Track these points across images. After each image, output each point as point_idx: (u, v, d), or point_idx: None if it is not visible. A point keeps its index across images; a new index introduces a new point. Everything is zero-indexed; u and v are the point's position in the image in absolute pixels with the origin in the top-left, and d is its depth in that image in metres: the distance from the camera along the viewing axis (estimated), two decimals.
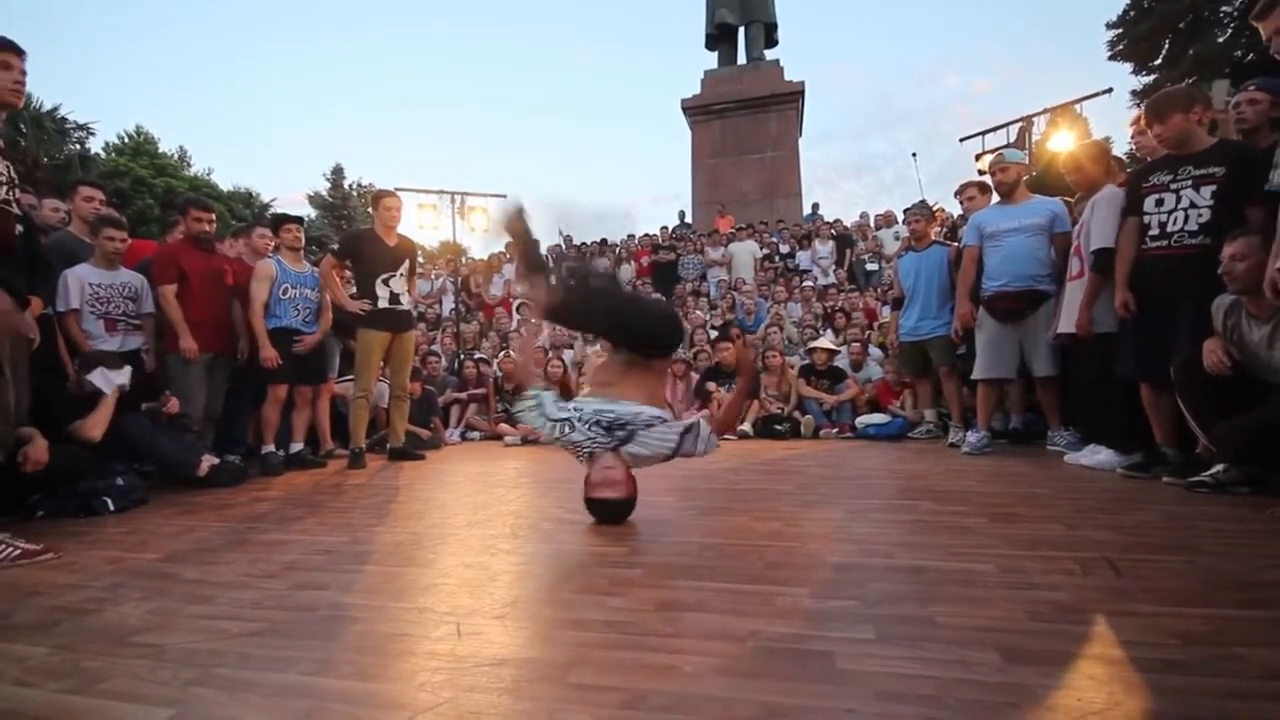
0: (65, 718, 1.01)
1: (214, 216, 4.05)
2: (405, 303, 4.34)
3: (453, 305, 9.19)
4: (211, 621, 1.39)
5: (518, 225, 2.48)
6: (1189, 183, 2.76)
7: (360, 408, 4.20)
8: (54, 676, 1.14)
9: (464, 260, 11.59)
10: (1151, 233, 2.88)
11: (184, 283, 3.74)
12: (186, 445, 3.39)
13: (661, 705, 0.98)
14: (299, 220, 4.40)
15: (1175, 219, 2.80)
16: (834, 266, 9.46)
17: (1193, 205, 2.75)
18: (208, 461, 3.32)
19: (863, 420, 5.14)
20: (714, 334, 6.96)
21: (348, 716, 0.97)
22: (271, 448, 3.99)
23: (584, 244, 11.64)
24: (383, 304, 4.20)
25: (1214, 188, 2.70)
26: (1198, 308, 2.59)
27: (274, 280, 4.01)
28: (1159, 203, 2.86)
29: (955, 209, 8.76)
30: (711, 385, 5.73)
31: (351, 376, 5.34)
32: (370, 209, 4.59)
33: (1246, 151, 2.71)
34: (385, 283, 4.21)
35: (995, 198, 4.31)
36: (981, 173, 8.82)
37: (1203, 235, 2.70)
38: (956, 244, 4.46)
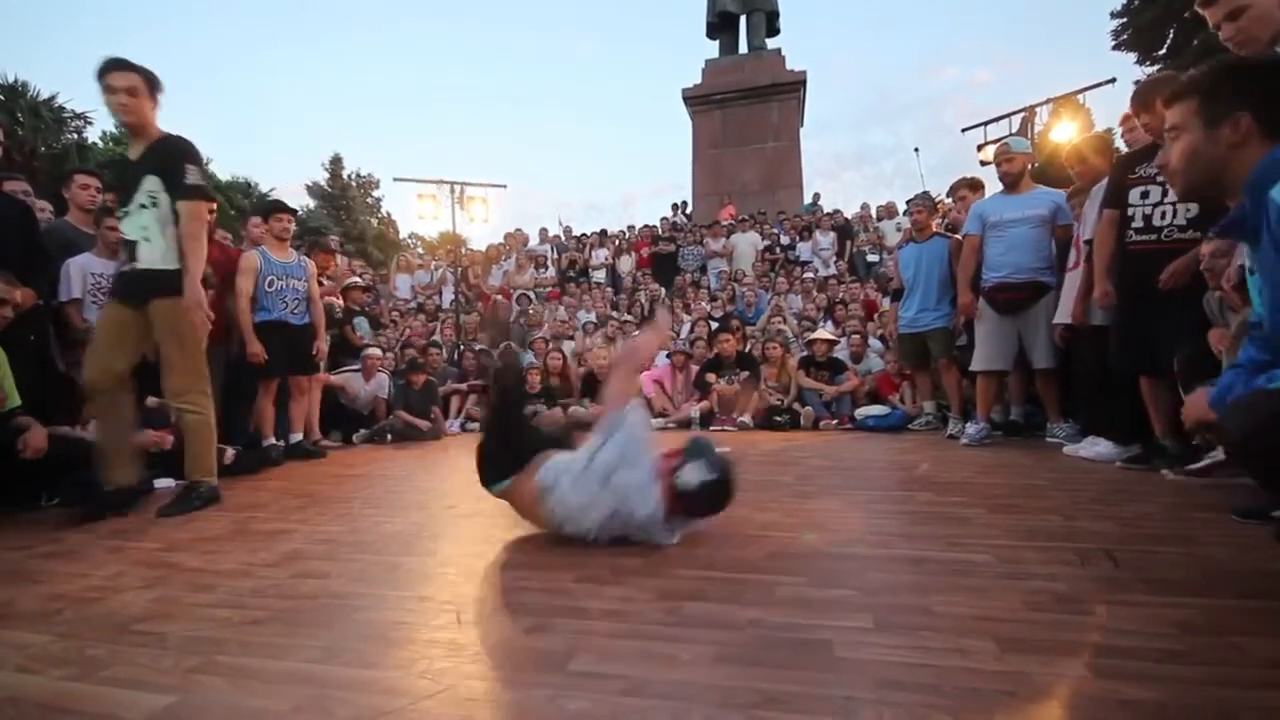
0: (67, 704, 1.01)
1: (214, 207, 4.03)
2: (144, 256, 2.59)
3: (452, 296, 9.18)
4: (213, 610, 1.40)
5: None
6: None
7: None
8: (56, 664, 1.15)
9: (464, 251, 11.55)
10: (1136, 225, 2.86)
11: None
12: None
13: (661, 693, 0.98)
14: (292, 211, 4.34)
15: (1163, 213, 2.78)
16: (835, 258, 9.43)
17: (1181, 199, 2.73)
18: (231, 451, 3.40)
19: (862, 412, 5.14)
20: (714, 325, 6.95)
21: (349, 704, 0.98)
22: (271, 439, 3.99)
23: (582, 235, 11.60)
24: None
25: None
26: (1191, 301, 2.58)
27: (258, 272, 3.94)
28: (1144, 195, 2.83)
29: None
30: (711, 376, 5.73)
31: (347, 367, 5.36)
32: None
33: None
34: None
35: (988, 192, 4.28)
36: (984, 163, 8.79)
37: (1192, 230, 2.67)
38: (958, 236, 4.45)
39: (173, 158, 2.57)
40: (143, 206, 2.57)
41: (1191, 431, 2.01)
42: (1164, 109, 1.51)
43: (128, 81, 2.53)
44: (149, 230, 2.56)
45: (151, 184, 2.56)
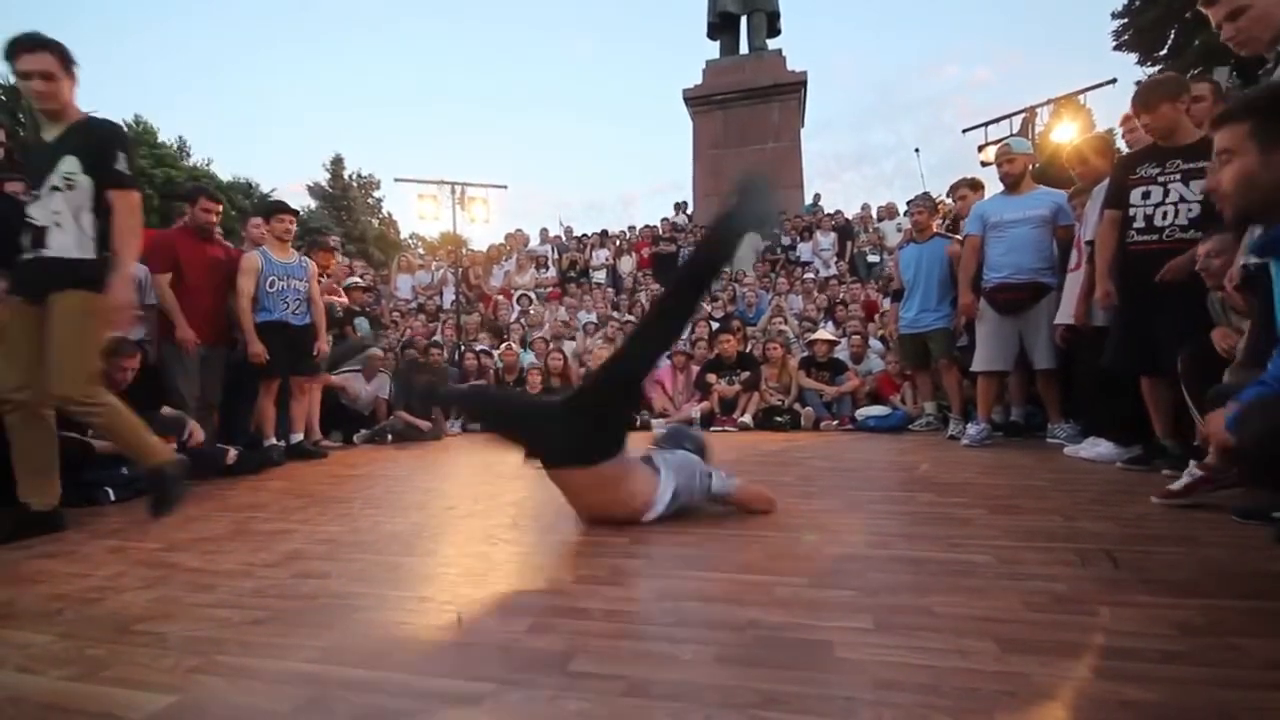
0: (68, 704, 1.01)
1: (221, 209, 4.04)
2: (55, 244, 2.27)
3: (453, 297, 9.18)
4: (213, 610, 1.40)
5: None
6: (1178, 176, 2.75)
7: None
8: (57, 664, 1.15)
9: (464, 251, 11.55)
10: (1137, 225, 2.87)
11: (177, 272, 3.73)
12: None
13: (661, 693, 0.98)
14: (294, 212, 4.35)
15: (1165, 213, 2.79)
16: (835, 258, 9.43)
17: (1183, 200, 2.74)
18: (233, 451, 3.41)
19: (863, 412, 5.15)
20: (715, 326, 6.95)
21: (349, 704, 0.98)
22: (272, 439, 4.00)
23: (583, 236, 11.61)
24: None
25: (1204, 182, 2.69)
26: (1192, 301, 2.58)
27: (259, 273, 3.94)
28: (1145, 195, 2.84)
29: None
30: (712, 377, 5.73)
31: (347, 368, 5.36)
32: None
33: None
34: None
35: (989, 192, 4.28)
36: (985, 164, 8.77)
37: (1194, 230, 2.68)
38: (959, 236, 4.45)
39: (100, 140, 2.29)
40: (55, 189, 2.23)
41: (1218, 458, 1.98)
42: (1213, 131, 1.43)
43: (41, 65, 2.19)
44: (61, 215, 2.22)
45: (69, 165, 2.23)
